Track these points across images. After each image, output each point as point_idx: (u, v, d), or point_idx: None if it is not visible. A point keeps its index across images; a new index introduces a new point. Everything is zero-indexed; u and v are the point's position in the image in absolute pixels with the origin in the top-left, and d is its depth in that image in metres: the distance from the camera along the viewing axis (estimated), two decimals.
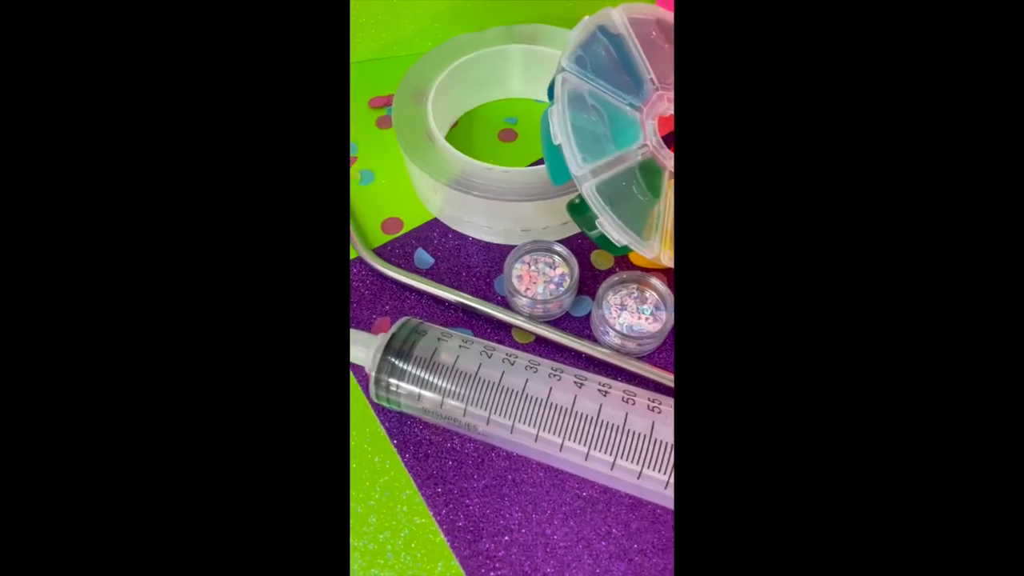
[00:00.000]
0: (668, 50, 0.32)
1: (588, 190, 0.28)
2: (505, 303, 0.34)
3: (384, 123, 0.43)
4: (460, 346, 0.27)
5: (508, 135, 0.42)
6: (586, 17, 0.30)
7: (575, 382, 0.26)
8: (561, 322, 0.33)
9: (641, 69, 0.31)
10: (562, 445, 0.25)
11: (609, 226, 0.28)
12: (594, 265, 0.36)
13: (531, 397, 0.25)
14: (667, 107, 0.32)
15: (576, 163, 0.28)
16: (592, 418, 0.25)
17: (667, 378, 0.30)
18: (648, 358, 0.32)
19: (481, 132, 0.43)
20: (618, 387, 0.26)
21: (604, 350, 0.31)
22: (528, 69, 0.42)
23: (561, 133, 0.28)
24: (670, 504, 0.25)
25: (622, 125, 0.30)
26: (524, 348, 0.33)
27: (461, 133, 0.43)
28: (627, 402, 0.25)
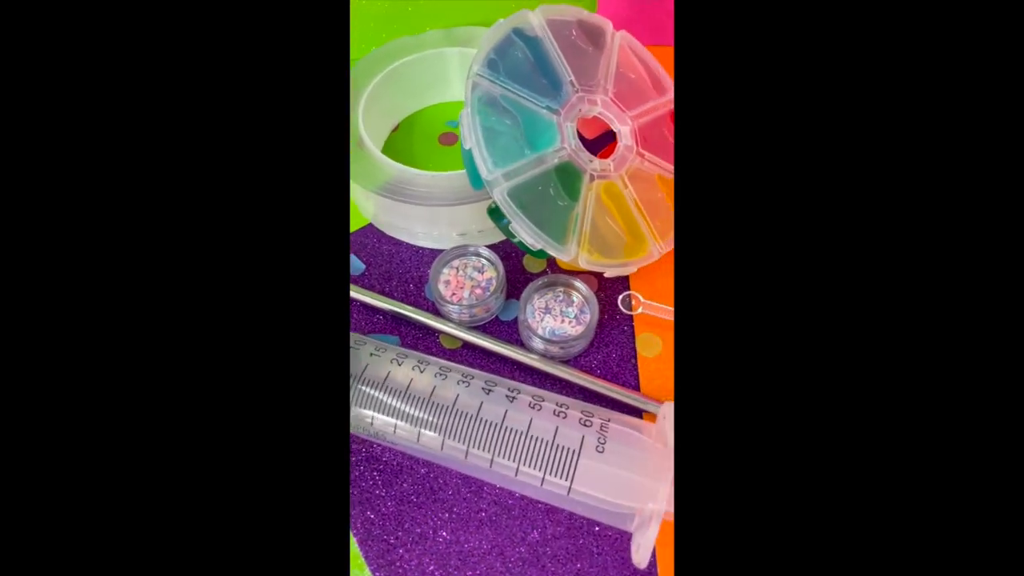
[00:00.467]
0: (591, 52, 0.32)
1: (499, 195, 0.28)
2: (434, 308, 0.34)
3: None
4: (372, 354, 0.27)
5: (449, 139, 0.42)
6: (500, 20, 0.30)
7: (483, 388, 0.26)
8: (490, 327, 0.33)
9: (560, 71, 0.31)
10: (467, 452, 0.25)
11: (521, 231, 0.28)
12: (527, 268, 0.35)
13: (436, 404, 0.25)
14: (589, 109, 0.32)
15: (486, 168, 0.28)
16: (496, 424, 0.25)
17: (591, 381, 0.30)
18: (574, 362, 0.32)
19: (422, 136, 0.42)
20: (527, 391, 0.26)
21: (531, 355, 0.31)
22: (467, 69, 0.42)
23: (470, 138, 0.28)
24: (584, 511, 0.25)
25: (538, 128, 0.30)
26: (452, 354, 0.32)
27: (401, 137, 0.42)
28: (534, 408, 0.25)
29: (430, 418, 0.25)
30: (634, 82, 0.33)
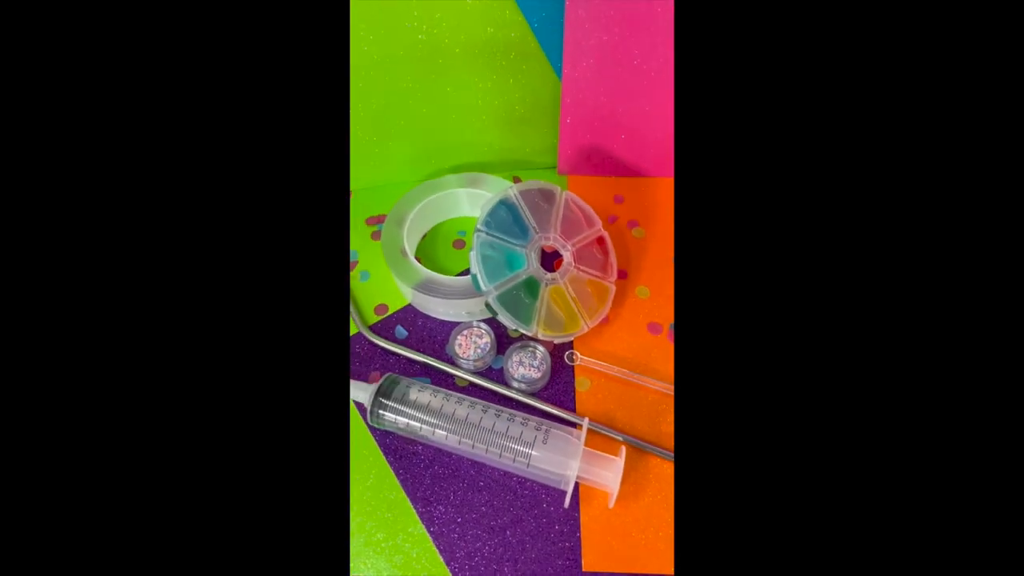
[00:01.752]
0: (546, 207, 0.53)
1: (491, 300, 0.49)
2: (452, 360, 0.54)
3: (377, 236, 0.64)
4: (419, 389, 0.48)
5: (459, 244, 0.63)
6: (493, 195, 0.51)
7: (481, 408, 0.46)
8: (487, 372, 0.54)
9: (527, 222, 0.52)
10: (473, 445, 0.45)
11: (504, 319, 0.49)
12: (510, 335, 0.56)
13: (451, 417, 0.46)
14: (545, 242, 0.53)
15: (483, 285, 0.49)
16: (488, 429, 0.45)
17: (546, 406, 0.50)
18: (538, 394, 0.52)
19: (443, 242, 0.63)
20: (507, 411, 0.46)
21: (511, 390, 0.51)
22: (471, 201, 0.63)
23: (475, 267, 0.49)
24: (539, 478, 0.45)
25: (513, 258, 0.51)
26: (462, 390, 0.53)
27: (428, 243, 0.63)
28: (509, 420, 0.45)
29: (449, 424, 0.46)
30: (573, 222, 0.55)
